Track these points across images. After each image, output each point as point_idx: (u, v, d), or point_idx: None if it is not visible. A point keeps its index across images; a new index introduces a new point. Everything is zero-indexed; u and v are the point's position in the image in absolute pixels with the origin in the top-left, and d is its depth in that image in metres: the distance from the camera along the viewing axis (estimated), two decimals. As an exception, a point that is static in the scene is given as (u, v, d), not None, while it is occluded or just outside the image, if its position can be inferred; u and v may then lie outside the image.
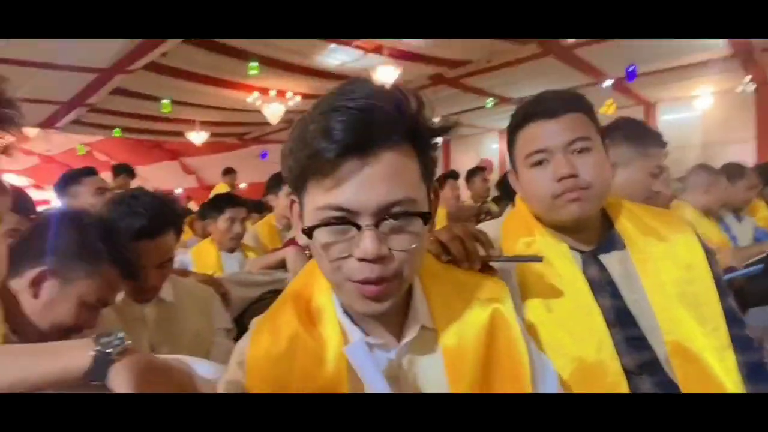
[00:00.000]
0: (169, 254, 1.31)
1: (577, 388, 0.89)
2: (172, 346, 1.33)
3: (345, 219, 0.63)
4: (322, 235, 0.65)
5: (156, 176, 14.26)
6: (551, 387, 0.78)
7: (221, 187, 5.96)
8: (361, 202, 0.62)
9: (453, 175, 4.08)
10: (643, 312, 0.94)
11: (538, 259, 0.91)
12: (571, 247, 1.00)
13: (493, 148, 13.83)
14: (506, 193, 4.11)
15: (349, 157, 0.61)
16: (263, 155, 15.09)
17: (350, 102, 0.61)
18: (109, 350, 0.67)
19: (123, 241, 1.09)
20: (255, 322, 0.78)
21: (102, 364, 0.66)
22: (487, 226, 1.10)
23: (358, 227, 0.62)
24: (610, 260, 0.98)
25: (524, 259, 0.93)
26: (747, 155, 7.98)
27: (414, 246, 0.65)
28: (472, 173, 4.21)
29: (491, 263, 0.89)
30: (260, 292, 1.75)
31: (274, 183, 2.95)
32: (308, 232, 0.65)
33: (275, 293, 1.73)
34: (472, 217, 2.87)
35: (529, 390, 0.73)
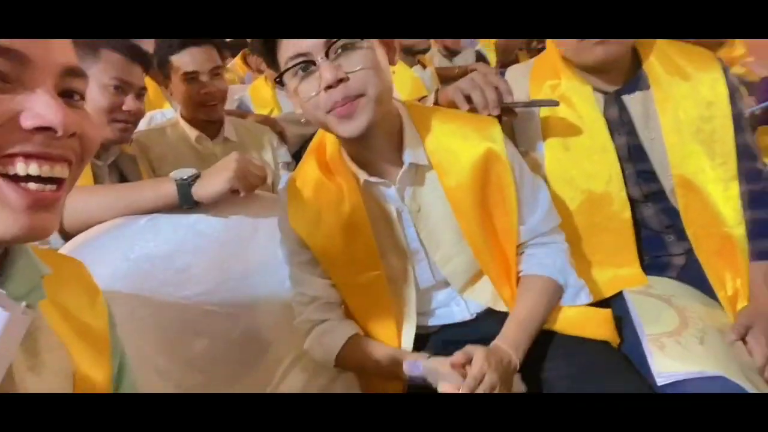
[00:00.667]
0: (217, 62, 1.49)
1: (584, 215, 1.03)
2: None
3: (303, 61, 0.77)
4: (292, 83, 0.80)
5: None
6: (539, 211, 0.93)
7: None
8: (309, 43, 0.75)
9: None
10: (656, 149, 1.01)
11: (554, 102, 0.96)
12: (596, 88, 1.03)
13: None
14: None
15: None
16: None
17: None
18: (187, 179, 0.94)
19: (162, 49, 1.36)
20: (289, 175, 0.97)
21: (184, 188, 0.93)
22: (516, 69, 1.14)
23: (314, 63, 0.76)
24: (632, 100, 1.02)
25: (540, 104, 0.98)
26: None
27: (365, 63, 0.77)
28: None
29: (510, 108, 0.96)
30: (314, 130, 1.88)
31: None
32: (279, 79, 0.81)
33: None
34: (521, 45, 2.71)
35: (515, 212, 0.89)
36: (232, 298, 1.02)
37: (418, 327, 0.92)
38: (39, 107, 0.42)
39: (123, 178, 1.27)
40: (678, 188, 1.00)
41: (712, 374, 0.80)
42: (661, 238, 1.08)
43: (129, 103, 1.18)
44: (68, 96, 0.47)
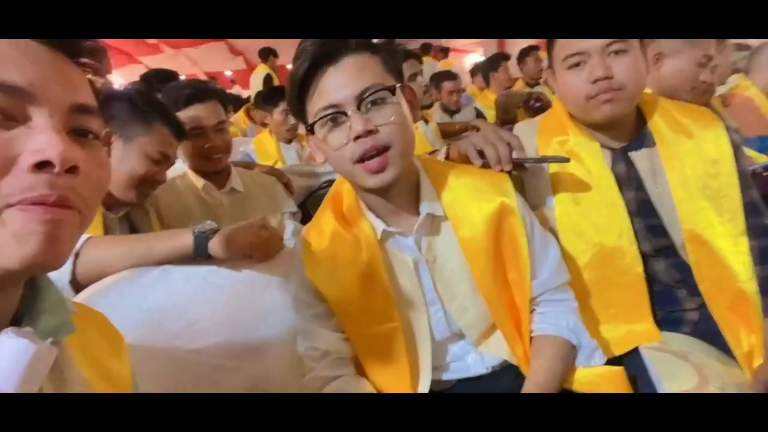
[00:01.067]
0: (221, 117, 1.53)
1: (596, 269, 1.03)
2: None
3: (334, 112, 0.80)
4: (321, 132, 0.83)
5: (203, 58, 14.21)
6: (549, 267, 0.94)
7: (261, 69, 5.68)
8: (341, 96, 0.79)
9: (504, 56, 3.92)
10: (665, 204, 1.03)
11: (564, 159, 0.99)
12: (603, 145, 1.06)
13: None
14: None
15: (321, 67, 0.80)
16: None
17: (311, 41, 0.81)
18: (205, 232, 0.96)
19: (169, 106, 1.34)
20: (307, 226, 0.98)
21: (201, 240, 0.96)
22: (524, 125, 1.17)
23: (346, 114, 0.79)
24: (638, 156, 1.05)
25: (551, 160, 1.01)
26: None
27: (393, 118, 0.81)
28: (524, 53, 3.90)
29: (521, 163, 0.98)
30: (319, 182, 1.91)
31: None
32: (311, 128, 0.83)
33: (332, 183, 1.91)
34: (520, 103, 2.80)
35: (527, 266, 0.90)
36: (242, 351, 1.00)
37: (432, 382, 0.90)
38: (38, 143, 0.42)
39: (134, 230, 1.28)
40: (688, 243, 1.01)
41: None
42: (673, 293, 1.08)
43: (162, 175, 1.25)
44: (81, 135, 0.47)
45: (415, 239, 0.90)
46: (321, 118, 0.81)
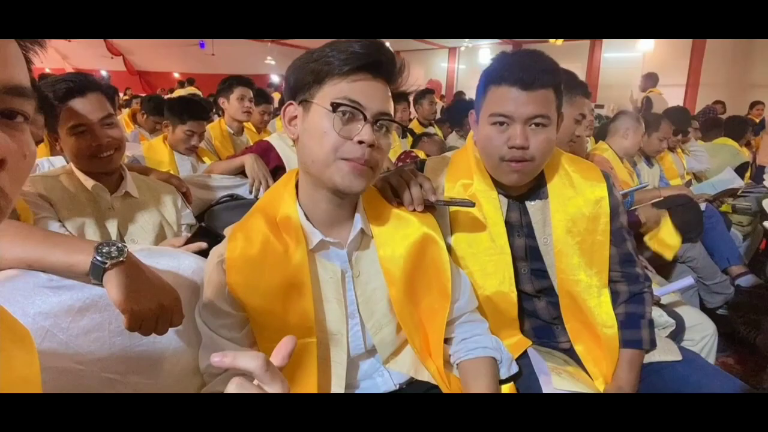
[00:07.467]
0: (108, 110, 1.40)
1: (481, 306, 1.13)
2: (138, 237, 1.45)
3: (359, 109, 0.85)
4: (335, 118, 0.85)
5: (77, 54, 13.03)
6: (466, 292, 1.04)
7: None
8: (368, 102, 0.86)
9: (430, 91, 4.34)
10: (549, 251, 1.16)
11: (471, 204, 1.05)
12: (502, 192, 1.17)
13: (441, 67, 13.65)
14: (451, 119, 4.27)
15: (364, 72, 0.86)
16: (201, 45, 14.05)
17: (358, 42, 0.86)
18: (106, 261, 0.82)
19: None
20: (230, 230, 0.95)
21: (98, 270, 0.82)
22: (436, 162, 1.26)
23: (366, 118, 0.85)
24: (532, 206, 1.17)
25: (459, 203, 1.06)
26: (678, 99, 8.53)
27: (388, 149, 0.90)
28: (420, 95, 4.23)
29: (431, 204, 1.05)
30: (219, 195, 1.85)
31: (227, 86, 2.91)
32: (334, 105, 0.85)
33: (232, 198, 1.86)
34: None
35: (449, 290, 0.98)
36: (136, 365, 0.93)
37: (341, 401, 0.92)
38: None
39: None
40: (560, 290, 1.16)
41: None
42: (550, 328, 1.22)
43: None
44: (7, 117, 0.43)
45: (348, 251, 0.94)
46: (347, 105, 0.85)
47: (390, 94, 0.90)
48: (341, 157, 0.85)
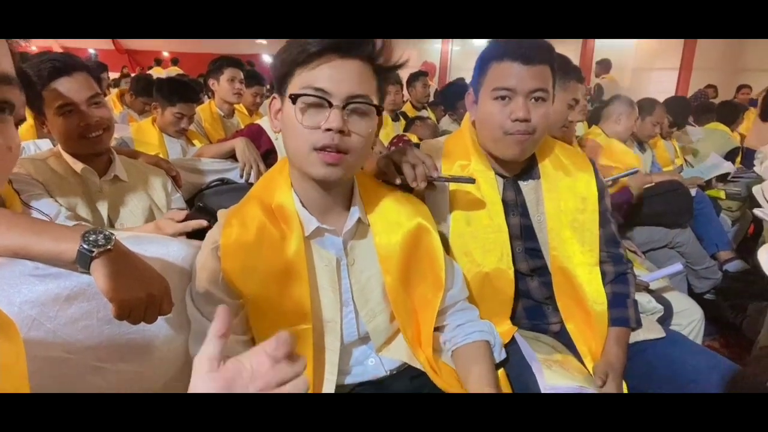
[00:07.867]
0: (95, 90, 1.37)
1: (476, 286, 1.15)
2: (128, 221, 1.43)
3: (322, 96, 0.82)
4: (301, 107, 0.84)
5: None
6: (458, 281, 1.05)
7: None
8: (334, 87, 0.82)
9: (424, 73, 4.25)
10: (542, 230, 1.19)
11: (471, 180, 1.09)
12: (497, 173, 1.19)
13: (435, 48, 13.52)
14: (445, 102, 4.24)
15: (329, 54, 0.82)
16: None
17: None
18: (92, 250, 0.80)
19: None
20: (224, 215, 0.93)
21: (84, 258, 0.80)
22: (431, 144, 1.26)
23: (331, 105, 0.82)
24: (526, 186, 1.20)
25: (460, 180, 1.10)
26: (671, 82, 8.53)
27: (365, 132, 0.86)
28: (413, 77, 4.19)
29: (433, 182, 1.07)
30: (209, 180, 1.83)
31: (217, 67, 2.86)
32: (294, 97, 0.84)
33: (223, 182, 1.84)
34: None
35: (442, 278, 0.98)
36: (126, 352, 0.93)
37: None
38: None
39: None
40: (553, 268, 1.18)
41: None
42: (542, 308, 1.24)
43: None
44: None
45: (343, 240, 0.94)
46: (306, 95, 0.83)
47: (372, 72, 0.87)
48: (314, 148, 0.84)
